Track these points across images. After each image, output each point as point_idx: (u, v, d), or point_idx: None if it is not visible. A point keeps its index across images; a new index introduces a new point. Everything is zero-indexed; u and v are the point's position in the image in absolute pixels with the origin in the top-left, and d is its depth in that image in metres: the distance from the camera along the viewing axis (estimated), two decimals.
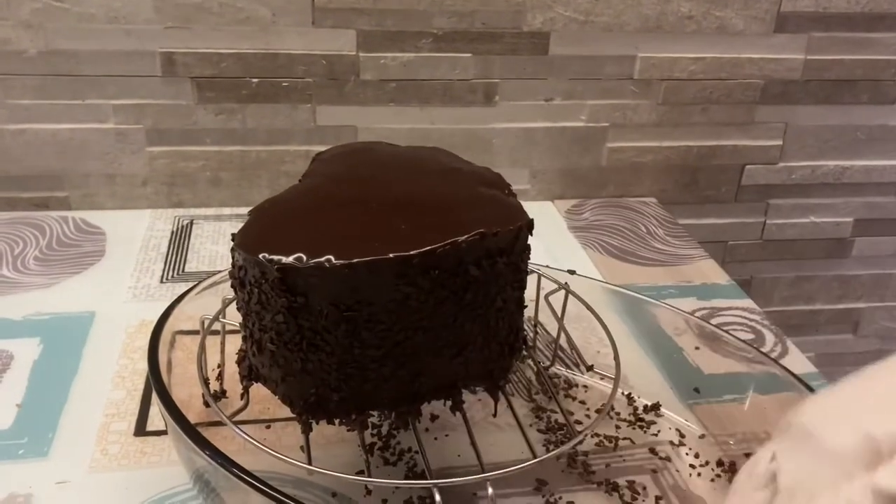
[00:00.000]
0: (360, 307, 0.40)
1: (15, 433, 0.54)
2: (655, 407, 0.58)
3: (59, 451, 0.52)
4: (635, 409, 0.58)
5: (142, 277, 0.74)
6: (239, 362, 0.47)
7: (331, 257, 0.39)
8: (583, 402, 0.58)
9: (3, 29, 0.78)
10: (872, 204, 1.05)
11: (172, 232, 0.83)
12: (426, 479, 0.48)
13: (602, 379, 0.59)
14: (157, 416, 0.56)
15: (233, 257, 0.43)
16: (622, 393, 0.59)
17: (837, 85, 0.96)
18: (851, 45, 0.94)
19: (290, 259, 0.39)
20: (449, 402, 0.45)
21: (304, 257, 0.39)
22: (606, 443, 0.55)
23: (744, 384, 0.56)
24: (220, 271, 0.58)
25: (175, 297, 0.54)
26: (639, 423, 0.57)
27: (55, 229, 0.82)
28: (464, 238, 0.41)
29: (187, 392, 0.50)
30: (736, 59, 0.92)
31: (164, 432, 0.54)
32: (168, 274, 0.75)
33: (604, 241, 0.87)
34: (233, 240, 0.43)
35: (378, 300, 0.40)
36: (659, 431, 0.56)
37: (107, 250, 0.79)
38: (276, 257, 0.39)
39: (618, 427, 0.56)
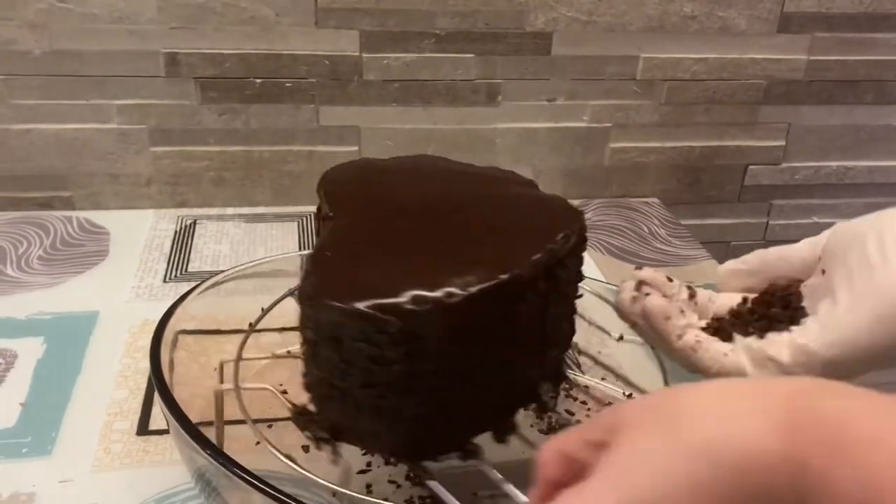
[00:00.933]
0: (476, 337, 0.38)
1: (18, 432, 0.54)
2: None
3: (62, 450, 0.53)
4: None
5: (145, 277, 0.74)
6: (306, 426, 0.44)
7: (452, 290, 0.36)
8: (584, 403, 0.58)
9: (8, 29, 0.78)
10: (876, 204, 1.04)
11: (176, 231, 0.83)
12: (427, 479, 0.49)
13: (603, 379, 0.59)
14: (160, 416, 0.56)
15: (315, 317, 0.39)
16: (623, 394, 0.59)
17: (840, 85, 0.96)
18: (855, 45, 0.94)
19: (409, 303, 0.36)
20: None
21: (421, 298, 0.36)
22: None
23: None
24: (222, 271, 0.58)
25: (178, 297, 0.54)
26: None
27: (59, 229, 0.82)
28: (556, 244, 0.41)
29: (189, 391, 0.50)
30: (739, 59, 0.92)
31: (166, 431, 0.54)
32: (171, 273, 0.75)
33: (606, 241, 0.87)
34: (308, 299, 0.38)
35: (491, 325, 0.39)
36: None
37: (110, 250, 0.79)
38: (391, 301, 0.36)
39: None
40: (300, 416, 0.44)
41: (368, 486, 0.50)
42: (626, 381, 0.59)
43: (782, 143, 0.99)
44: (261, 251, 0.80)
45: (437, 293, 0.36)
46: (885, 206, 1.17)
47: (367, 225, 0.44)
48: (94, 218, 0.85)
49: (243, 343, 0.51)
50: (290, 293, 0.55)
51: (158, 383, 0.45)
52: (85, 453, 0.53)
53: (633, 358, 0.59)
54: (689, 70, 0.92)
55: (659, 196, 0.98)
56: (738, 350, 0.42)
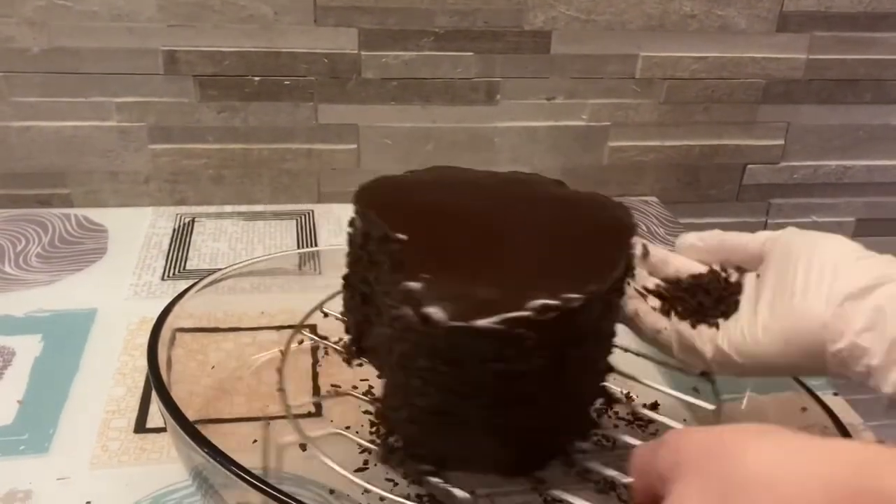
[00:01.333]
0: (584, 337, 0.39)
1: (16, 429, 0.54)
2: (654, 406, 0.58)
3: (59, 448, 0.53)
4: (634, 407, 0.58)
5: (143, 275, 0.74)
6: (401, 463, 0.42)
7: (569, 295, 0.37)
8: None
9: (7, 26, 0.78)
10: (874, 204, 1.05)
11: (174, 229, 0.83)
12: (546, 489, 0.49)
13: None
14: (157, 414, 0.56)
15: (432, 343, 0.36)
16: (620, 391, 0.59)
17: (840, 84, 0.96)
18: (854, 44, 0.94)
19: (537, 314, 0.36)
20: None
21: (546, 307, 0.36)
22: (605, 441, 0.55)
23: (742, 384, 0.56)
24: (220, 269, 0.58)
25: (176, 295, 0.54)
26: (637, 422, 0.57)
27: (58, 226, 0.82)
28: (632, 239, 0.42)
29: (187, 389, 0.50)
30: (738, 58, 0.92)
31: (163, 429, 0.54)
32: (169, 271, 0.75)
33: None
34: (430, 324, 0.36)
35: (592, 324, 0.40)
36: (657, 430, 0.56)
37: (109, 247, 0.79)
38: (519, 315, 0.36)
39: (616, 426, 0.56)
40: (391, 454, 0.42)
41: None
42: (624, 381, 0.59)
43: (781, 142, 0.99)
44: (259, 249, 0.80)
45: (558, 300, 0.36)
46: (885, 205, 1.17)
47: (441, 242, 0.42)
48: (92, 215, 0.85)
49: (283, 398, 0.48)
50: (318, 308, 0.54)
51: (156, 381, 0.45)
52: (82, 451, 0.53)
53: (632, 357, 0.59)
54: (688, 69, 0.92)
55: (658, 195, 0.98)
56: (671, 331, 0.45)
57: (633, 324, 0.47)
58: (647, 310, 0.47)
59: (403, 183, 0.49)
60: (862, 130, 1.00)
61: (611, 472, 0.42)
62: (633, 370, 0.58)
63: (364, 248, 0.45)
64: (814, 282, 0.41)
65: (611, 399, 0.49)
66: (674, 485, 0.28)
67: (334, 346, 0.53)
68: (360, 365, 0.50)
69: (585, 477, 0.51)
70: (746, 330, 0.42)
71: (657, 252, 0.50)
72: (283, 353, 0.51)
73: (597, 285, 0.39)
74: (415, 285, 0.38)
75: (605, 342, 0.45)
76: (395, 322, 0.38)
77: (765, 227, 1.03)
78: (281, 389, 0.48)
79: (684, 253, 0.50)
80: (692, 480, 0.27)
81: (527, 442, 0.40)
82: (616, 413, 0.58)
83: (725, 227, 1.05)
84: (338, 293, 0.54)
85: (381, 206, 0.45)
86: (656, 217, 0.93)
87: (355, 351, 0.48)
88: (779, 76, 0.94)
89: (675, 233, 0.89)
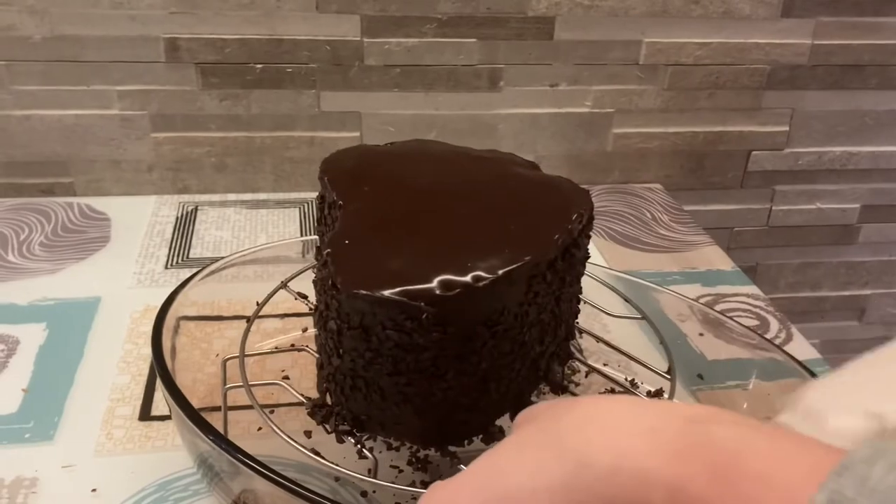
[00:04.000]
0: (501, 319, 0.39)
1: (21, 417, 0.54)
2: (659, 393, 0.58)
3: (64, 436, 0.53)
4: (638, 394, 0.58)
5: (146, 263, 0.74)
6: (325, 420, 0.43)
7: (479, 273, 0.37)
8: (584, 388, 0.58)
9: (8, 14, 0.78)
10: (879, 190, 1.05)
11: (177, 218, 0.83)
12: (431, 463, 0.49)
13: (605, 365, 0.59)
14: (162, 401, 0.56)
15: (340, 307, 0.38)
16: (625, 378, 0.59)
17: (845, 70, 0.96)
18: (859, 29, 0.93)
19: (438, 288, 0.36)
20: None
21: (450, 283, 0.36)
22: None
23: (747, 370, 0.56)
24: (223, 257, 0.58)
25: (179, 283, 0.54)
26: None
27: (60, 215, 0.82)
28: (572, 223, 0.41)
29: (191, 377, 0.50)
30: (742, 44, 0.92)
31: (168, 417, 0.54)
32: (173, 260, 0.75)
33: (609, 227, 0.87)
34: (335, 289, 0.37)
35: (513, 307, 0.39)
36: None
37: (112, 236, 0.79)
38: (421, 287, 0.36)
39: None
40: (318, 410, 0.43)
41: (369, 471, 0.50)
42: (629, 368, 0.59)
43: (786, 128, 0.98)
44: (262, 237, 0.80)
45: (466, 277, 0.37)
46: (890, 192, 1.17)
47: (380, 210, 0.43)
48: (95, 204, 0.85)
49: (244, 338, 0.50)
50: (283, 285, 0.54)
51: (160, 369, 0.45)
52: (87, 439, 0.53)
53: (637, 344, 0.59)
54: (692, 55, 0.91)
55: (662, 182, 0.98)
56: None
57: None
58: None
59: (373, 153, 0.50)
60: (867, 116, 0.99)
61: None
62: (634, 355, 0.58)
63: (322, 212, 0.47)
64: None
65: (556, 387, 0.48)
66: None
67: (308, 303, 0.53)
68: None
69: None
70: None
71: None
72: (259, 304, 0.52)
73: (513, 266, 0.38)
74: (333, 250, 0.39)
75: (540, 328, 0.43)
76: (315, 284, 0.41)
77: (769, 214, 1.03)
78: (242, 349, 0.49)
79: None
80: (524, 427, 0.28)
81: (442, 416, 0.40)
82: None
83: (729, 213, 1.05)
84: (309, 267, 0.55)
85: (337, 172, 0.47)
86: (660, 204, 0.93)
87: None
88: (783, 62, 0.94)
89: (680, 220, 0.89)
